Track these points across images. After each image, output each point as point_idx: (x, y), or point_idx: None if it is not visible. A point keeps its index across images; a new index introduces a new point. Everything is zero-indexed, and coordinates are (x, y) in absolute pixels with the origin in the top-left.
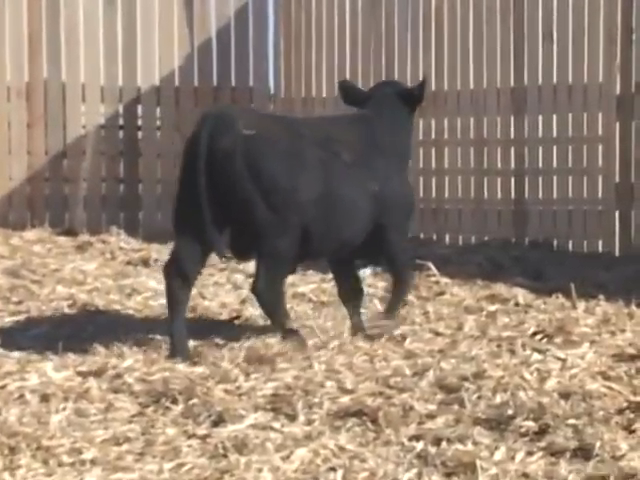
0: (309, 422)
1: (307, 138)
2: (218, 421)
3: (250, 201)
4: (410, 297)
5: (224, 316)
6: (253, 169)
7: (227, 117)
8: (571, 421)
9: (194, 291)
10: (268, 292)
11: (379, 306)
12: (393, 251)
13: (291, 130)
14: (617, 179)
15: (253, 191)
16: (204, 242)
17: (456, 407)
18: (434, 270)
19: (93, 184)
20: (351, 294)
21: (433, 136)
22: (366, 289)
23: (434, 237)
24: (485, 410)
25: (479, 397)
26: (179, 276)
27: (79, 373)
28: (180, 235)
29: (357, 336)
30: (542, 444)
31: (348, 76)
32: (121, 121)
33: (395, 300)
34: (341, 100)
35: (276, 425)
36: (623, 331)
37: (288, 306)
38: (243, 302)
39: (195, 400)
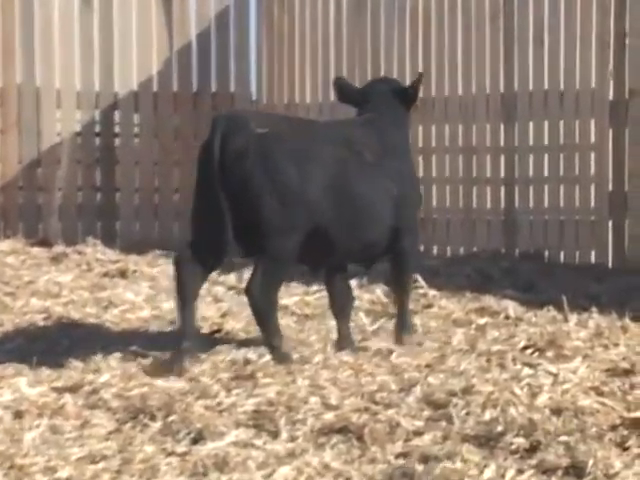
0: (292, 439)
1: (322, 138)
2: (198, 438)
3: (261, 200)
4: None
5: (204, 330)
6: (266, 167)
7: (239, 117)
8: (563, 438)
9: (173, 304)
10: (263, 295)
11: (364, 319)
12: (405, 257)
13: (306, 130)
14: (610, 188)
15: (265, 190)
16: (217, 247)
17: (444, 423)
18: (422, 282)
19: (68, 193)
20: (342, 303)
21: (420, 144)
22: None
23: (421, 248)
24: (474, 426)
25: (468, 413)
26: (192, 264)
27: (54, 389)
28: (195, 234)
29: (343, 349)
30: (533, 462)
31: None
32: (98, 128)
33: (405, 311)
34: (324, 105)
35: (258, 442)
36: (617, 345)
37: None
38: (224, 315)
39: (174, 416)
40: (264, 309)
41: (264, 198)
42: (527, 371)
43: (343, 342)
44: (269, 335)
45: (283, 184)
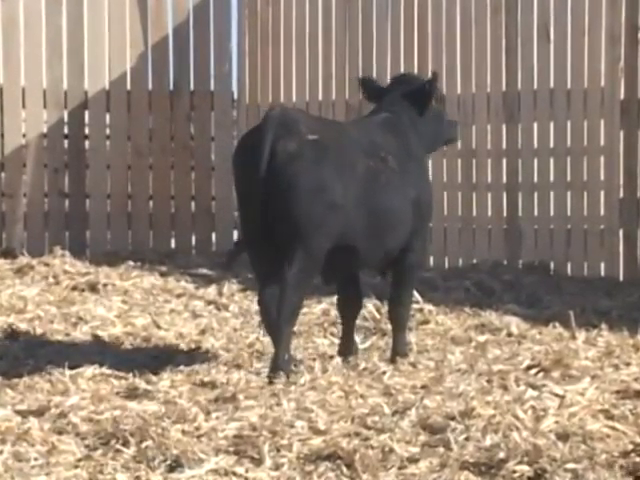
0: (277, 467)
1: (360, 145)
2: (175, 466)
3: (306, 204)
4: (389, 326)
5: (182, 347)
6: (315, 174)
7: (291, 121)
8: (570, 465)
9: (147, 320)
10: (297, 290)
11: (355, 336)
12: (413, 262)
13: (347, 137)
14: (621, 194)
15: (312, 195)
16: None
17: (441, 449)
18: (417, 296)
19: (34, 199)
20: (351, 305)
21: None
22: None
23: None
24: (474, 453)
25: (467, 438)
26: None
27: (18, 412)
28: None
29: (345, 353)
30: None
31: (321, 80)
32: (66, 129)
33: (404, 326)
34: (311, 105)
35: (240, 470)
36: (628, 364)
37: (253, 336)
38: (203, 332)
39: (149, 442)
40: (293, 306)
41: (309, 203)
42: (531, 393)
43: (346, 346)
44: (281, 337)
45: (329, 190)
